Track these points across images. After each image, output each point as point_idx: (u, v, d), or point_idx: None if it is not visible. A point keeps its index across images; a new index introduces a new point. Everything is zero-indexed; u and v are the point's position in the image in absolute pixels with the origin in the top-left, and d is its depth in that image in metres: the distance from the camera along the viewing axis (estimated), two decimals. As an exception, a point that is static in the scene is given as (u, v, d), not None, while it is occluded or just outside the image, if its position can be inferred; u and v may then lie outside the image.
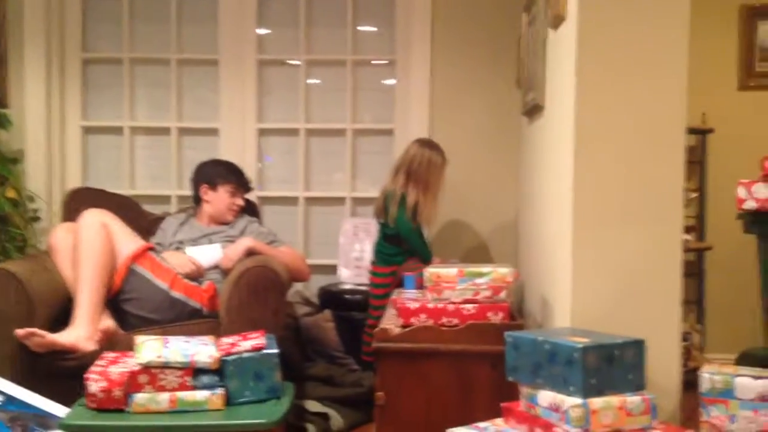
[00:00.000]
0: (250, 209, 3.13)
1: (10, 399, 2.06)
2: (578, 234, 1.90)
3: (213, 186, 2.96)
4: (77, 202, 2.91)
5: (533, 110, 2.68)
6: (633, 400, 1.60)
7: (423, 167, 3.02)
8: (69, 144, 3.69)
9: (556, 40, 2.19)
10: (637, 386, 1.64)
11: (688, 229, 3.51)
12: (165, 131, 3.71)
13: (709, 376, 1.77)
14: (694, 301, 3.65)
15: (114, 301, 2.58)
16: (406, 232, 3.01)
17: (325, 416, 2.71)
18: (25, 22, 3.55)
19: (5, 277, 2.38)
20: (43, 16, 3.56)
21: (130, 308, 2.58)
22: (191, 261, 2.74)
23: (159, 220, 3.08)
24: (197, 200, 3.01)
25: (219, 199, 2.95)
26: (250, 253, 2.72)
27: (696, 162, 3.69)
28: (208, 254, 2.81)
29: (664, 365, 1.84)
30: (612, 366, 1.61)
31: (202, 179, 2.99)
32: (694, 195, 3.67)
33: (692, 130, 3.58)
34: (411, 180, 3.02)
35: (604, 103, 1.89)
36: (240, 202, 2.98)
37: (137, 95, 3.74)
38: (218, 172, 2.98)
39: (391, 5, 3.63)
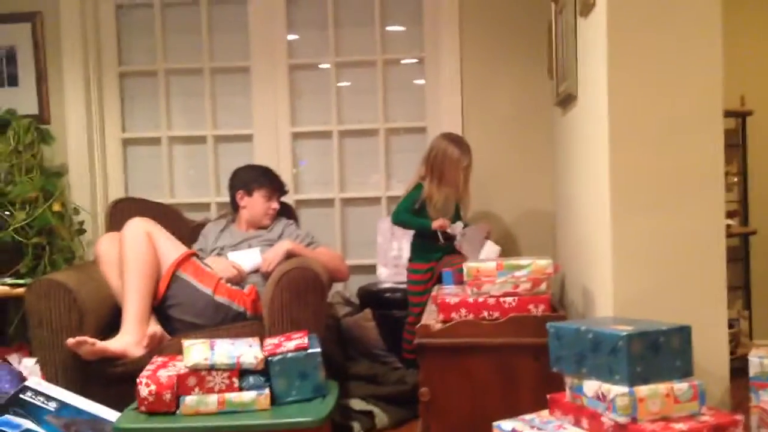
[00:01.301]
0: (287, 212, 3.16)
1: (64, 405, 2.12)
2: (617, 222, 1.88)
3: (248, 191, 3.00)
4: (120, 212, 2.97)
5: (566, 100, 2.66)
6: (681, 386, 1.58)
7: (438, 159, 3.04)
8: (110, 156, 3.77)
9: (587, 28, 2.17)
10: (685, 373, 1.62)
11: (730, 214, 3.44)
12: (201, 140, 3.77)
13: (758, 360, 1.74)
14: (741, 287, 3.57)
15: (160, 308, 2.63)
16: (394, 218, 3.07)
17: (369, 414, 2.73)
18: (63, 39, 3.64)
19: (56, 287, 2.44)
20: (80, 33, 3.65)
21: (175, 314, 2.63)
22: (233, 266, 2.78)
23: (200, 226, 3.13)
24: (235, 206, 3.06)
25: (255, 204, 2.99)
26: (289, 255, 2.75)
27: (736, 145, 3.61)
28: (248, 258, 2.85)
29: (711, 351, 1.81)
30: (658, 353, 1.59)
31: (237, 185, 3.03)
32: (735, 179, 3.60)
33: (731, 113, 3.51)
34: (428, 171, 3.05)
35: (638, 89, 1.87)
36: (275, 205, 3.02)
37: (173, 105, 3.80)
38: (253, 178, 3.01)
39: (419, 3, 3.63)
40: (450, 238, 3.01)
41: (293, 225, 3.05)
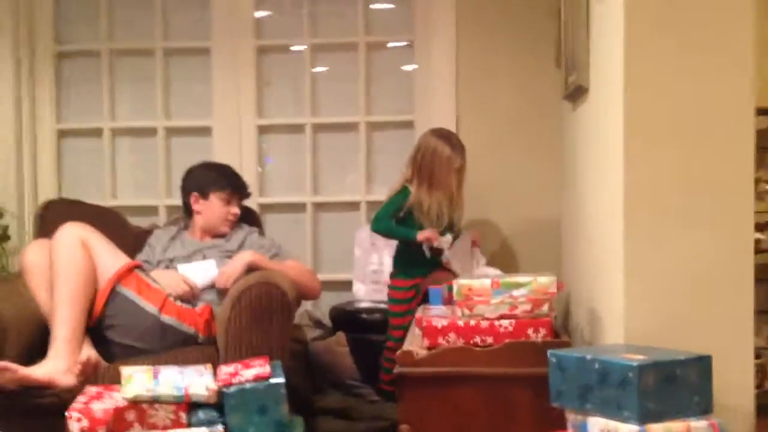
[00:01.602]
0: (250, 218, 3.16)
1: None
2: (631, 235, 1.90)
3: (204, 194, 3.00)
4: (52, 216, 2.95)
5: (576, 93, 2.68)
6: (698, 425, 1.60)
7: (427, 159, 3.05)
8: (41, 150, 3.75)
9: (601, 12, 2.20)
10: (704, 409, 1.63)
11: (760, 227, 3.47)
12: (151, 132, 3.76)
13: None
14: (772, 312, 3.61)
15: (96, 329, 2.61)
16: (374, 225, 3.08)
17: (342, 456, 2.73)
18: (-11, 13, 3.63)
19: (-28, 302, 2.43)
20: (9, 7, 3.63)
21: (114, 336, 2.62)
22: (184, 280, 2.78)
23: (146, 234, 3.13)
24: (188, 211, 3.06)
25: (211, 208, 2.99)
26: (251, 268, 2.75)
27: (769, 148, 3.65)
28: (202, 272, 2.85)
29: (734, 384, 1.83)
30: (673, 387, 1.61)
31: (191, 187, 3.03)
32: (767, 186, 3.64)
33: (763, 111, 3.54)
34: (415, 173, 3.07)
35: (659, 82, 1.90)
36: (235, 210, 3.02)
37: (118, 92, 3.79)
38: (209, 178, 3.02)
39: (408, -23, 3.66)
40: (438, 252, 3.02)
41: (256, 233, 3.05)
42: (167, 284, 2.73)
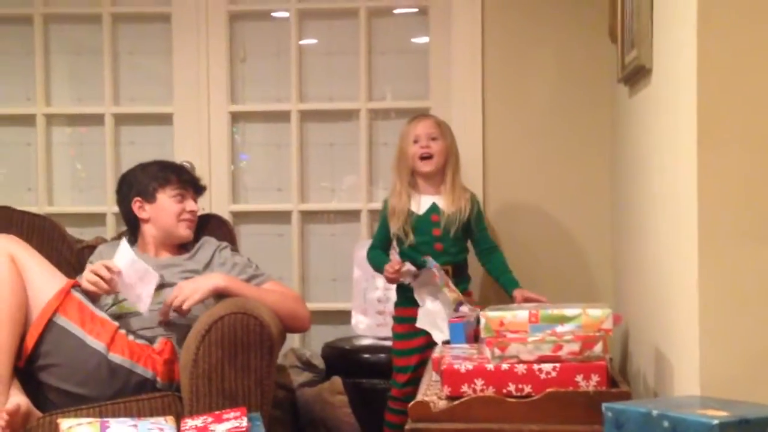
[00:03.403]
0: (220, 229, 3.16)
1: None
2: (707, 255, 1.89)
3: (149, 196, 2.99)
4: (-29, 225, 2.96)
5: (635, 75, 2.69)
6: (799, 503, 1.58)
7: (396, 152, 3.13)
8: (-43, 141, 3.77)
9: (667, -29, 2.20)
10: (805, 482, 1.62)
11: None
12: (96, 120, 3.77)
13: None
14: None
15: (26, 370, 2.61)
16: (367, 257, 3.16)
17: None
18: None
19: None
20: None
21: (49, 379, 2.61)
22: (103, 267, 2.72)
23: (90, 250, 3.12)
24: (133, 224, 3.04)
25: (162, 210, 2.99)
26: (221, 294, 2.74)
27: None
28: (122, 254, 2.77)
29: None
30: (765, 452, 1.60)
31: (131, 193, 3.02)
32: None
33: None
34: (394, 176, 3.15)
35: (741, 63, 1.88)
36: (193, 206, 3.02)
37: (55, 68, 3.79)
38: (150, 176, 3.02)
39: (422, -77, 3.67)
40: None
41: (228, 249, 3.04)
42: (84, 276, 2.72)
